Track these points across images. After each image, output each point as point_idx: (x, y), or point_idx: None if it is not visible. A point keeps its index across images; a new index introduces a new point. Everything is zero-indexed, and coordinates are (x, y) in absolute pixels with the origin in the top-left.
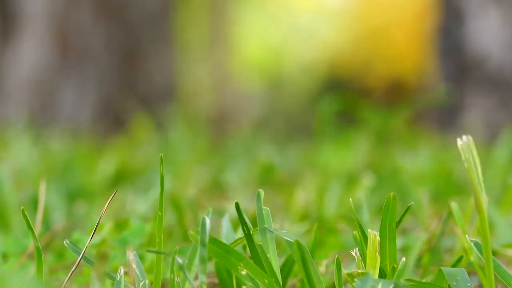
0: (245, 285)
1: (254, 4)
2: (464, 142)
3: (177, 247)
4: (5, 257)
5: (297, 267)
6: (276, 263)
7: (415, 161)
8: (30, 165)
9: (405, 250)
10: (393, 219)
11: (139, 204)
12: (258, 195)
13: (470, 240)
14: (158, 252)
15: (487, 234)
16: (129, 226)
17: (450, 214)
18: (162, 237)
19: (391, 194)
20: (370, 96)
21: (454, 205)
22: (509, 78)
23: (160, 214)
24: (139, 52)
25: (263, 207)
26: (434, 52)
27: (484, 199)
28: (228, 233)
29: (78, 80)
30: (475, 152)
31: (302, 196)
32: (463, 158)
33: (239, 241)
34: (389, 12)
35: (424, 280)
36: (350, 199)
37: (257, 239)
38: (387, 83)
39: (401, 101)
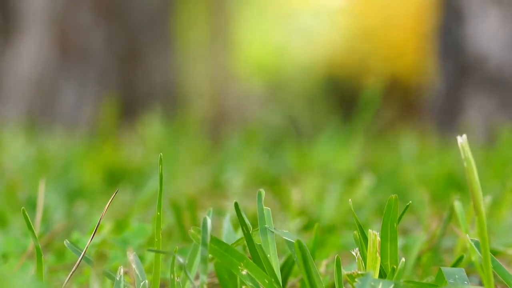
0: (245, 285)
1: (254, 4)
2: (464, 140)
3: (177, 247)
4: (5, 257)
5: (297, 267)
6: (276, 263)
7: (415, 161)
8: (29, 165)
9: (405, 250)
10: (394, 221)
11: (136, 203)
12: (259, 195)
13: (470, 239)
14: (158, 252)
15: (485, 234)
16: (130, 226)
17: (450, 214)
18: (161, 237)
19: (393, 196)
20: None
21: (457, 203)
22: (509, 78)
23: (158, 214)
24: (139, 52)
25: (264, 207)
26: (434, 52)
27: (482, 199)
28: (229, 234)
29: (78, 79)
30: (470, 152)
31: (301, 196)
32: (463, 157)
33: (240, 242)
34: (388, 12)
35: (424, 281)
36: (350, 199)
37: (257, 239)
38: (385, 82)
39: (399, 100)
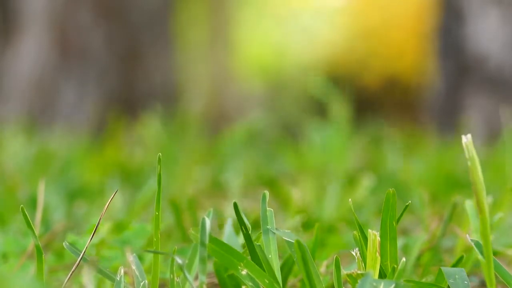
0: (245, 285)
1: (254, 4)
2: (469, 140)
3: (176, 247)
4: (5, 257)
5: (296, 267)
6: (277, 263)
7: (415, 161)
8: (29, 165)
9: (405, 250)
10: (393, 217)
11: (135, 203)
12: (264, 196)
13: (471, 240)
14: (156, 252)
15: (488, 233)
16: (130, 227)
17: (451, 214)
18: (160, 237)
19: (390, 190)
20: (367, 94)
21: (468, 203)
22: (509, 78)
23: (157, 213)
24: (139, 52)
25: (267, 208)
26: (434, 51)
27: (485, 198)
28: (230, 236)
29: (78, 79)
30: (474, 152)
31: (301, 196)
32: (467, 156)
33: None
34: (388, 12)
35: (424, 280)
36: (350, 199)
37: (257, 238)
38: (385, 82)
39: (398, 100)
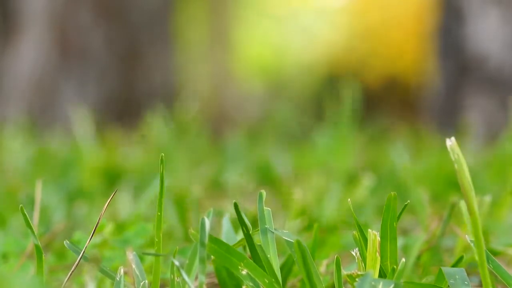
0: (245, 285)
1: (254, 4)
2: (453, 142)
3: (177, 248)
4: (5, 257)
5: (296, 267)
6: (276, 263)
7: (415, 161)
8: (29, 165)
9: (405, 250)
10: (394, 219)
11: (138, 204)
12: (260, 195)
13: (470, 240)
14: (155, 255)
15: (480, 234)
16: (131, 227)
17: (450, 214)
18: (161, 237)
19: (392, 193)
20: (367, 94)
21: (462, 203)
22: (509, 78)
23: (159, 214)
24: (139, 52)
25: (264, 207)
26: (434, 51)
27: (474, 199)
28: (229, 233)
29: (78, 79)
30: (460, 154)
31: (302, 196)
32: (453, 159)
33: (241, 242)
34: (388, 12)
35: (424, 280)
36: (349, 199)
37: (257, 239)
38: (385, 81)
39: (398, 100)
